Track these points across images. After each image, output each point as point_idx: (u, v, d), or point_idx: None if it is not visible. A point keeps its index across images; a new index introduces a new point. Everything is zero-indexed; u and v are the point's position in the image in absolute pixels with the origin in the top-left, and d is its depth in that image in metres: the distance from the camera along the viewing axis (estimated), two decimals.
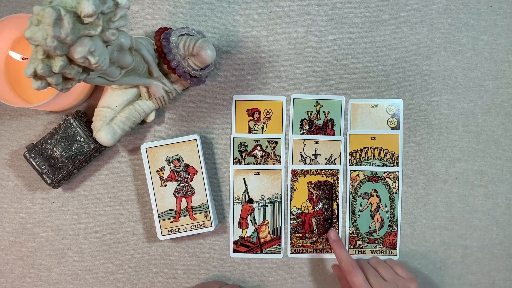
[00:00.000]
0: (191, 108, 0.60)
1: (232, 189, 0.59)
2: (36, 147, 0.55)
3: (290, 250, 0.58)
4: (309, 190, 0.58)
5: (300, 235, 0.58)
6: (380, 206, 0.60)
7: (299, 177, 0.58)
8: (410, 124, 0.60)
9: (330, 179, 0.59)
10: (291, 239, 0.58)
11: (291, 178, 0.59)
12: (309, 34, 0.60)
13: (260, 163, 0.59)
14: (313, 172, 0.58)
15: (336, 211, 0.58)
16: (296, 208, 0.58)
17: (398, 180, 0.60)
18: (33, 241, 0.59)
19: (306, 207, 0.58)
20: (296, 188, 0.58)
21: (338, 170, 0.59)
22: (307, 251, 0.58)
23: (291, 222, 0.58)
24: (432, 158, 0.60)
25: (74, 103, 0.57)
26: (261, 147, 0.60)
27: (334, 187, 0.58)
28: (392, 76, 0.60)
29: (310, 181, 0.58)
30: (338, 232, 0.57)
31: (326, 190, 0.58)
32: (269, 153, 0.60)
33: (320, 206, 0.58)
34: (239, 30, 0.60)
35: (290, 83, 0.60)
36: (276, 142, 0.60)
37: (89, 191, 0.59)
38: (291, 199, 0.58)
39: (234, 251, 0.59)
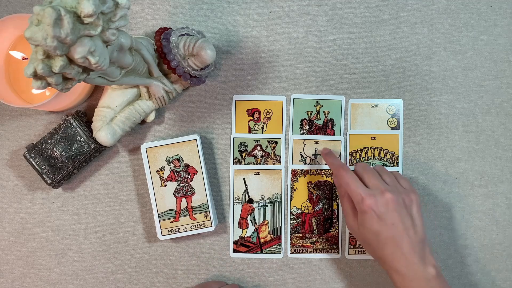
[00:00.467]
0: (191, 108, 0.60)
1: (232, 189, 0.59)
2: (36, 147, 0.55)
3: (290, 250, 0.58)
4: (309, 190, 0.58)
5: (300, 235, 0.58)
6: None
7: (299, 177, 0.58)
8: (410, 124, 0.60)
9: (330, 179, 0.58)
10: (291, 239, 0.58)
11: (291, 178, 0.58)
12: (309, 34, 0.60)
13: (260, 163, 0.59)
14: (313, 172, 0.58)
15: (336, 211, 0.58)
16: (296, 208, 0.58)
17: None
18: (33, 241, 0.59)
19: (306, 207, 0.58)
20: (296, 188, 0.58)
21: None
22: (307, 251, 0.58)
23: (291, 222, 0.58)
24: (432, 158, 0.60)
25: (74, 103, 0.57)
26: (261, 147, 0.60)
27: (334, 187, 0.58)
28: (392, 76, 0.60)
29: (310, 181, 0.58)
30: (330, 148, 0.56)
31: (326, 190, 0.58)
32: (269, 153, 0.60)
33: (320, 206, 0.58)
34: (239, 30, 0.60)
35: (290, 83, 0.60)
36: (276, 142, 0.60)
37: (89, 191, 0.59)
38: (291, 199, 0.58)
39: (234, 251, 0.59)
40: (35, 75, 0.35)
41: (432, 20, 0.60)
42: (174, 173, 0.57)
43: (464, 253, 0.60)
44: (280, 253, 0.59)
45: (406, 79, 0.60)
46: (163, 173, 0.57)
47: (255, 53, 0.60)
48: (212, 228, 0.57)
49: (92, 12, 0.33)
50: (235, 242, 0.59)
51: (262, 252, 0.59)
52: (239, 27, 0.60)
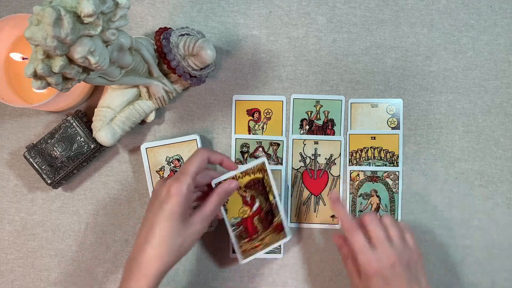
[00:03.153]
0: (191, 108, 0.60)
1: None
2: (36, 147, 0.55)
3: (242, 257, 0.55)
4: (240, 195, 0.55)
5: (247, 239, 0.55)
6: (380, 206, 0.60)
7: None
8: (410, 124, 0.60)
9: (259, 175, 0.55)
10: (240, 246, 0.55)
11: None
12: (309, 34, 0.60)
13: None
14: (239, 176, 0.54)
15: (274, 201, 0.55)
16: (234, 218, 0.55)
17: (398, 180, 0.60)
18: (33, 241, 0.59)
19: (244, 212, 0.55)
20: (228, 200, 0.54)
21: (263, 163, 0.54)
22: (258, 250, 0.55)
23: (234, 233, 0.54)
24: (432, 158, 0.60)
25: (74, 103, 0.57)
26: (263, 148, 0.60)
27: (264, 180, 0.55)
28: (392, 76, 0.60)
29: (240, 186, 0.54)
30: (338, 193, 0.53)
31: (258, 187, 0.55)
32: (271, 155, 0.60)
33: (257, 204, 0.55)
34: (239, 30, 0.60)
35: (290, 83, 0.60)
36: (278, 144, 0.59)
37: (89, 191, 0.59)
38: (226, 212, 0.54)
39: (234, 251, 0.59)
40: (35, 75, 0.35)
41: (432, 20, 0.60)
42: (174, 173, 0.56)
43: (464, 253, 0.60)
44: (280, 253, 0.59)
45: (406, 79, 0.60)
46: (163, 173, 0.57)
47: (255, 53, 0.60)
48: (213, 228, 0.57)
49: (92, 12, 0.33)
50: None
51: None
52: (239, 27, 0.60)
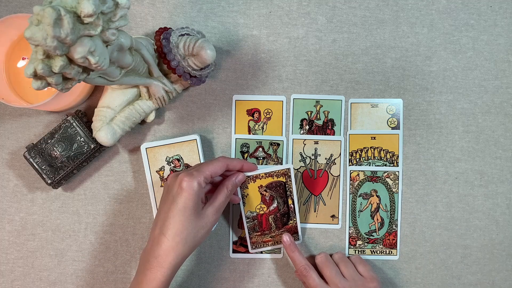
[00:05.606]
0: (191, 108, 0.60)
1: None
2: (36, 147, 0.55)
3: (252, 247, 0.58)
4: (261, 193, 0.57)
5: (259, 233, 0.58)
6: (380, 206, 0.60)
7: (248, 183, 0.56)
8: (410, 124, 0.60)
9: (282, 179, 0.57)
10: (250, 238, 0.58)
11: (240, 185, 0.57)
12: (309, 34, 0.60)
13: (261, 165, 0.59)
14: (262, 176, 0.56)
15: (292, 206, 0.57)
16: (251, 212, 0.57)
17: (398, 180, 0.60)
18: (33, 241, 0.59)
19: (261, 209, 0.57)
20: (247, 194, 0.57)
21: (288, 169, 0.56)
22: (268, 245, 0.58)
23: (247, 224, 0.57)
24: (432, 158, 0.60)
25: (74, 103, 0.57)
26: (263, 148, 0.60)
27: (287, 185, 0.57)
28: (392, 76, 0.60)
29: (261, 185, 0.56)
30: (291, 236, 0.56)
31: (279, 190, 0.57)
32: (270, 155, 0.60)
33: (275, 205, 0.57)
34: (239, 30, 0.60)
35: (290, 83, 0.60)
36: (278, 144, 0.59)
37: (89, 191, 0.59)
38: (243, 205, 0.57)
39: (234, 251, 0.59)
40: (35, 75, 0.35)
41: (432, 20, 0.60)
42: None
43: (464, 253, 0.60)
44: (280, 253, 0.59)
45: (406, 79, 0.60)
46: (163, 173, 0.57)
47: (255, 53, 0.60)
48: (212, 228, 0.57)
49: (92, 12, 0.33)
50: (234, 243, 0.59)
51: (261, 252, 0.59)
52: (239, 27, 0.60)
